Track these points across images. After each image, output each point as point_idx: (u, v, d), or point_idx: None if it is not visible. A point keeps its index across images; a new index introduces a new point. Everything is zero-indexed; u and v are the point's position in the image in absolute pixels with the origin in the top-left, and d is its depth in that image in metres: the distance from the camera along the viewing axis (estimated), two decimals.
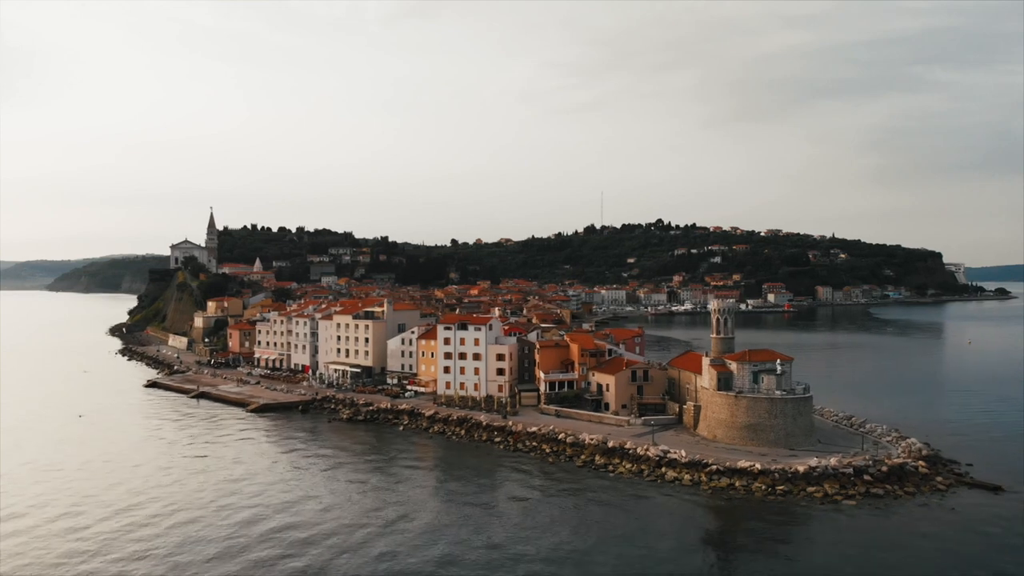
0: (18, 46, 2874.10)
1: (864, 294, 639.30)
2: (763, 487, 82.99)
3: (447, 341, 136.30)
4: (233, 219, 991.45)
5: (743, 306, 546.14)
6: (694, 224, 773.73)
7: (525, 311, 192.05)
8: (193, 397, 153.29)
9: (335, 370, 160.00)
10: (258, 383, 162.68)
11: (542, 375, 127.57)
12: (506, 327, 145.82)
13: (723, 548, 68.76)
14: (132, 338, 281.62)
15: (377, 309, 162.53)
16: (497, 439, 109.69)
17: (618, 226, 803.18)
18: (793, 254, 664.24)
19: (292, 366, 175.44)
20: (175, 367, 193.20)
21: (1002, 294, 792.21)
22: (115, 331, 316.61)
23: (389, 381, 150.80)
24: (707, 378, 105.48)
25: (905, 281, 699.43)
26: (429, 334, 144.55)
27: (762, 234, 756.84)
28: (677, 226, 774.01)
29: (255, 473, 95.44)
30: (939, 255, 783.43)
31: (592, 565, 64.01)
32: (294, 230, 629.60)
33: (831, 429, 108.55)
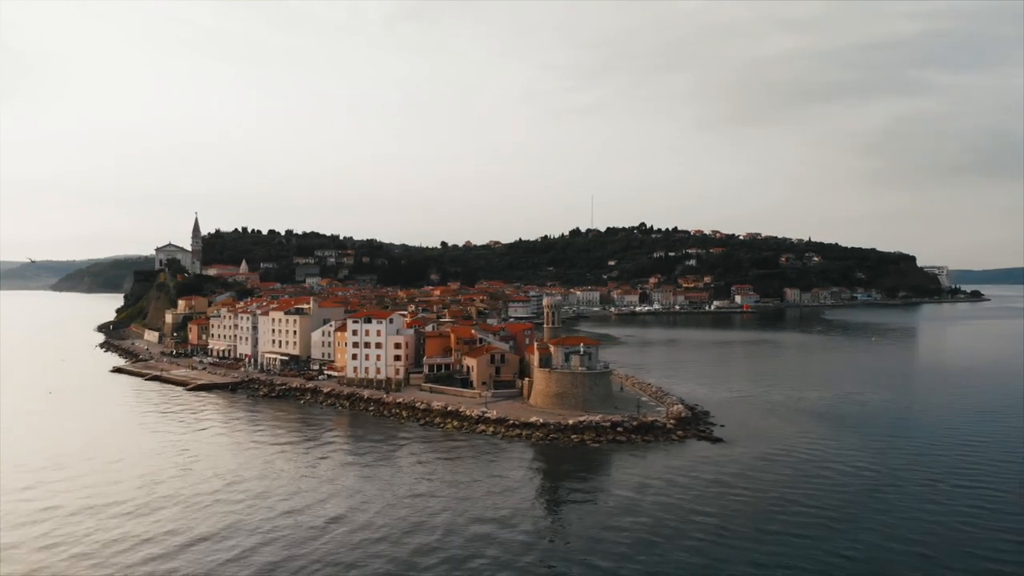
0: (21, 47, 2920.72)
1: (832, 296, 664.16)
2: (540, 435, 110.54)
3: (355, 332, 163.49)
4: (230, 221, 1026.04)
5: (707, 307, 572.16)
6: (675, 228, 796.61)
7: (435, 308, 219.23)
8: (147, 380, 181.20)
9: (270, 358, 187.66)
10: (204, 369, 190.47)
11: (426, 359, 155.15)
12: (408, 321, 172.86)
13: (490, 467, 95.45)
14: (115, 334, 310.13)
15: (305, 306, 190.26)
16: (371, 408, 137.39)
17: (602, 229, 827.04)
18: (765, 257, 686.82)
19: (238, 355, 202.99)
20: (140, 356, 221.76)
21: (976, 296, 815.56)
22: (102, 328, 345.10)
23: (312, 367, 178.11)
24: (536, 358, 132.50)
25: (877, 283, 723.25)
26: (342, 327, 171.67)
27: (741, 237, 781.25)
28: (659, 229, 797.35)
29: (172, 430, 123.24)
30: (913, 258, 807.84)
31: (392, 485, 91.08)
32: (283, 233, 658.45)
33: (639, 399, 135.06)
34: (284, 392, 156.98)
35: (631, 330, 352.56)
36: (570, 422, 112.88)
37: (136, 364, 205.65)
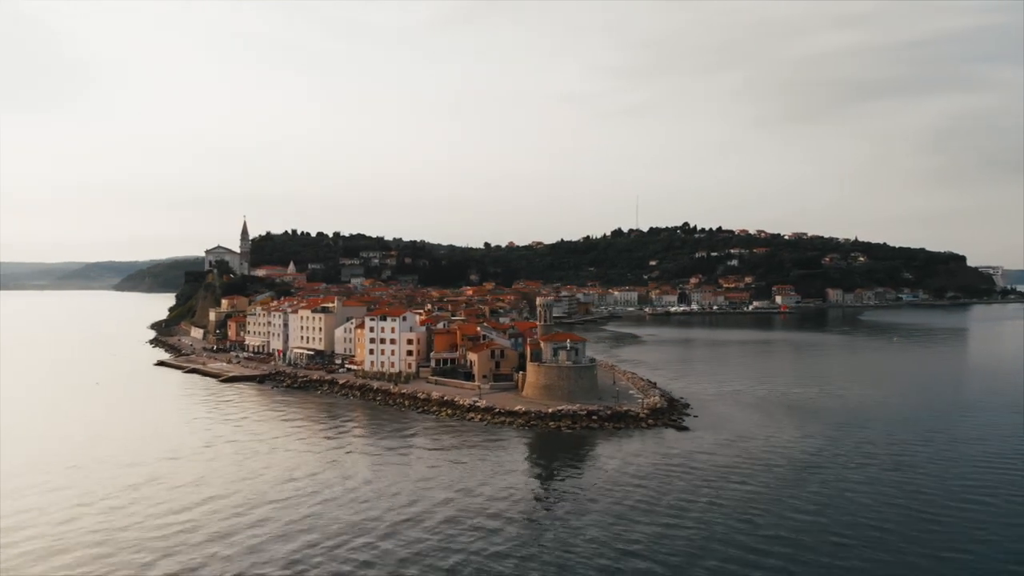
0: (85, 57, 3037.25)
1: (876, 296, 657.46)
2: (521, 422, 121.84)
3: (372, 329, 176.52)
4: (282, 223, 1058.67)
5: (746, 307, 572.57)
6: (719, 227, 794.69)
7: (449, 307, 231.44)
8: (186, 372, 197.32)
9: (298, 353, 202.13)
10: (239, 362, 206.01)
11: (433, 354, 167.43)
12: (422, 319, 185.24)
13: (472, 446, 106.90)
14: (166, 331, 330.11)
15: (330, 305, 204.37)
16: (378, 398, 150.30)
17: (645, 229, 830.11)
18: (809, 257, 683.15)
19: (270, 351, 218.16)
20: (183, 351, 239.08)
21: None
22: (155, 326, 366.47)
23: (335, 362, 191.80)
24: (528, 353, 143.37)
25: (925, 284, 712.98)
26: (361, 324, 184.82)
27: (786, 237, 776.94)
28: (702, 229, 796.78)
29: (200, 413, 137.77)
30: (963, 257, 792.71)
31: (386, 459, 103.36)
32: (331, 235, 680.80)
33: (620, 391, 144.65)
34: (305, 383, 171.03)
35: (659, 330, 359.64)
36: (549, 411, 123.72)
37: (178, 358, 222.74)
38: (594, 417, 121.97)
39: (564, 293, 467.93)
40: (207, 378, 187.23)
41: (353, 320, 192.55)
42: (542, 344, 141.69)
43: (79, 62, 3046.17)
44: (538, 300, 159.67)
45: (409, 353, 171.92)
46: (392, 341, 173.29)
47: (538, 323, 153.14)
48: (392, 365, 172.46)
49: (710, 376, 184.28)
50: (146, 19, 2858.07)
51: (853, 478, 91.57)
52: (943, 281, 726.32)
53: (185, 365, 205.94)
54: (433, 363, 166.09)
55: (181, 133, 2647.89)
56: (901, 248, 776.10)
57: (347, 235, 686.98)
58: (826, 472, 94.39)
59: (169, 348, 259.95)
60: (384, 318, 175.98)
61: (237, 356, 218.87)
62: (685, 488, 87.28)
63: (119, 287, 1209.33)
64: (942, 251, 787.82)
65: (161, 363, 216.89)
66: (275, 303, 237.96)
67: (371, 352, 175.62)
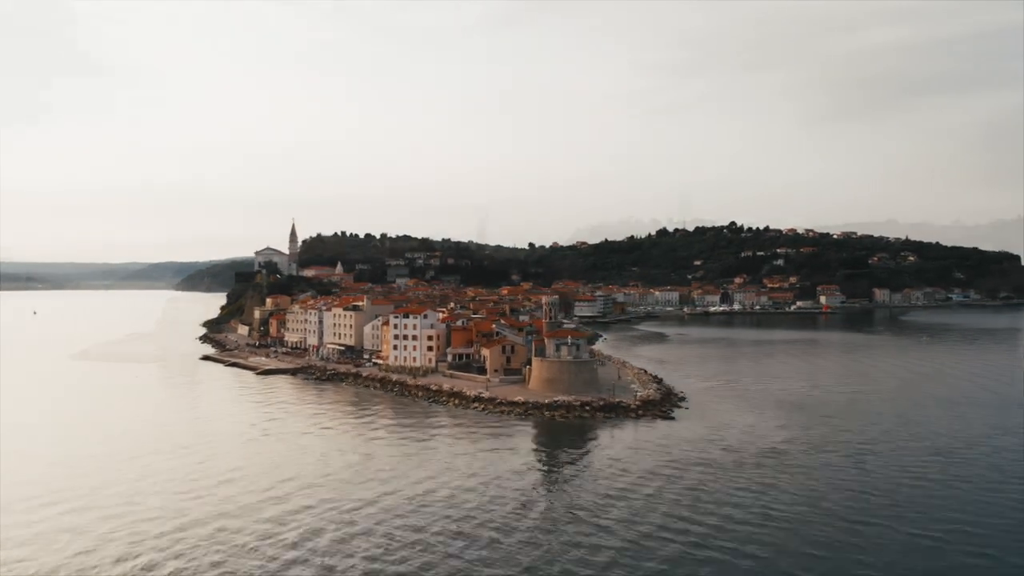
0: (142, 64, 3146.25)
1: (925, 296, 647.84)
2: (520, 411, 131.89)
3: (396, 326, 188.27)
4: (332, 224, 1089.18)
5: (789, 307, 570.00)
6: (767, 227, 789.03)
7: (471, 306, 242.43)
8: (227, 366, 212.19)
9: (331, 348, 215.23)
10: (276, 357, 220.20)
11: (449, 349, 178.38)
12: (443, 317, 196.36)
13: (474, 430, 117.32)
14: (216, 328, 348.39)
15: (360, 304, 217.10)
16: (395, 389, 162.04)
17: (691, 229, 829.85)
18: (856, 257, 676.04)
19: (307, 346, 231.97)
20: (227, 347, 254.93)
21: None
22: (206, 323, 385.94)
23: (364, 356, 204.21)
24: (534, 348, 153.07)
25: (977, 284, 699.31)
26: (387, 321, 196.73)
27: (834, 236, 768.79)
28: (749, 229, 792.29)
29: (239, 399, 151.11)
30: (1017, 257, 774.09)
31: (396, 431, 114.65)
32: (378, 236, 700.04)
33: (616, 384, 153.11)
34: (332, 376, 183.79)
35: (692, 330, 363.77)
36: (545, 401, 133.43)
37: (222, 353, 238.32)
38: (587, 407, 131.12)
39: (600, 293, 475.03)
40: (244, 371, 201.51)
41: (380, 317, 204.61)
42: (546, 340, 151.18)
43: (141, 67, 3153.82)
44: (543, 299, 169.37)
45: (429, 348, 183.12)
46: (414, 337, 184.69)
47: (544, 320, 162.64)
48: (414, 360, 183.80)
49: (714, 373, 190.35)
50: (203, 28, 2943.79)
51: (814, 460, 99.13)
52: (996, 281, 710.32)
53: (227, 359, 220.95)
54: (450, 358, 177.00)
55: (241, 138, 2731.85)
56: (953, 247, 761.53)
57: (393, 236, 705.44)
58: (790, 457, 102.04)
59: (215, 344, 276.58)
60: (407, 316, 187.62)
61: (275, 351, 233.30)
62: (655, 468, 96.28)
63: (179, 286, 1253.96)
64: (996, 251, 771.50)
65: (206, 357, 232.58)
66: (313, 301, 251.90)
67: (395, 347, 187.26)
